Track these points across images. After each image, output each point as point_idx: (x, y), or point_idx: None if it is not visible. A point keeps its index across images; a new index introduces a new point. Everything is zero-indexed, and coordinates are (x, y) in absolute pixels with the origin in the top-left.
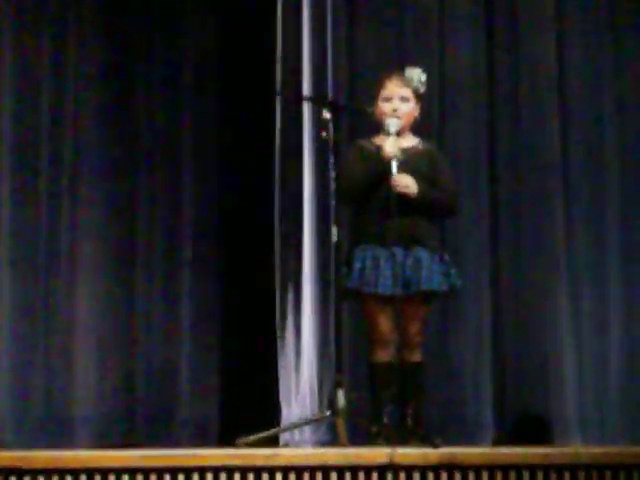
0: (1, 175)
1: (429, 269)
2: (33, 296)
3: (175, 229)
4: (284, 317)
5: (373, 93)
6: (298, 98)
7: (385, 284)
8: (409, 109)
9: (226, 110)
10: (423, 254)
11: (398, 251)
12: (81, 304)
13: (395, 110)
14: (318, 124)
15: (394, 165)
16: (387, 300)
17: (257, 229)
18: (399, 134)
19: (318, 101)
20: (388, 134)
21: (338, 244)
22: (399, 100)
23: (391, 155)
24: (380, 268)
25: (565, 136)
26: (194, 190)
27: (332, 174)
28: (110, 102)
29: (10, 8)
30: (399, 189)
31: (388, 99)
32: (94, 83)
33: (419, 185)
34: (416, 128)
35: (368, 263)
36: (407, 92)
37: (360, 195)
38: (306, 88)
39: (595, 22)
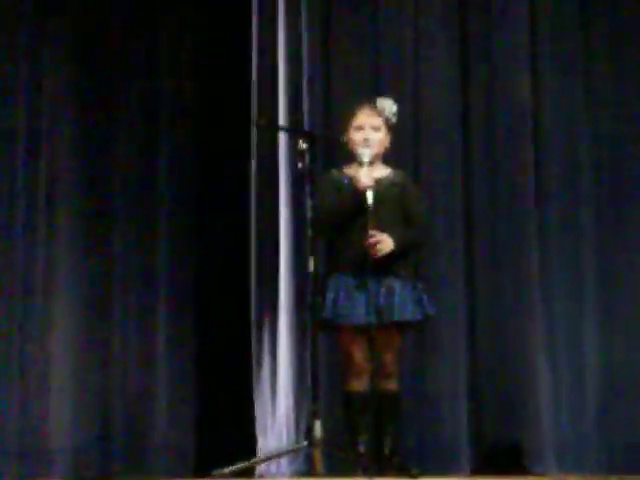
0: None
1: (402, 298)
2: (8, 326)
3: (150, 260)
4: (260, 347)
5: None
6: (274, 128)
7: (358, 314)
8: (380, 138)
9: (202, 141)
10: (396, 283)
11: (371, 281)
12: (56, 334)
13: (366, 139)
14: (294, 154)
15: (369, 196)
16: (361, 330)
17: (233, 259)
18: (371, 164)
19: (294, 131)
20: (361, 164)
21: (314, 274)
22: (371, 129)
23: (366, 186)
24: (353, 298)
25: (540, 165)
26: (170, 221)
27: (308, 204)
28: (85, 140)
29: None
30: (375, 251)
31: (360, 128)
32: (69, 114)
33: (394, 238)
34: (390, 159)
35: (341, 293)
36: (378, 122)
37: (333, 227)
38: (282, 118)
39: (569, 55)
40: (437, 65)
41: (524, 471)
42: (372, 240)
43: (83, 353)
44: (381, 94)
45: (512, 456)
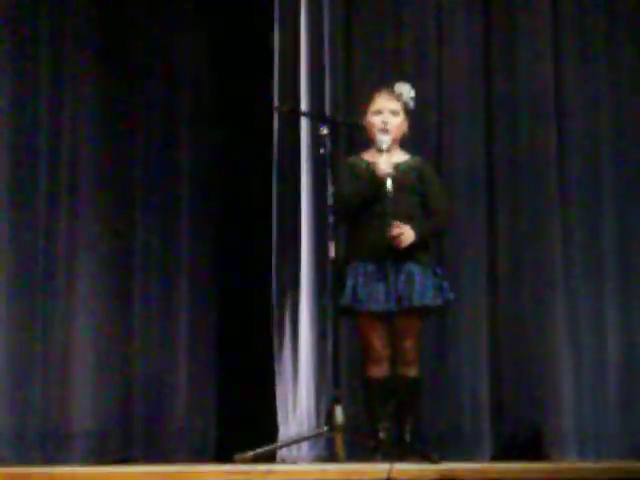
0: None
1: (422, 284)
2: (31, 312)
3: (172, 245)
4: (282, 333)
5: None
6: (296, 114)
7: (378, 301)
8: (398, 123)
9: (224, 127)
10: (415, 269)
11: (390, 267)
12: (78, 320)
13: (385, 123)
14: (316, 140)
15: (389, 183)
16: (381, 316)
17: (255, 245)
18: (389, 149)
19: (315, 117)
20: (381, 151)
21: (335, 260)
22: (389, 113)
23: (386, 173)
24: (373, 285)
25: (562, 150)
26: (191, 207)
27: (330, 190)
28: (107, 122)
29: (7, 26)
30: (398, 244)
31: (378, 112)
32: (91, 98)
33: (415, 229)
34: (412, 142)
35: (361, 280)
36: (397, 106)
37: (352, 213)
38: (304, 104)
39: (592, 38)
40: (459, 48)
41: (545, 457)
42: (395, 232)
43: (104, 338)
44: (403, 78)
45: (533, 442)
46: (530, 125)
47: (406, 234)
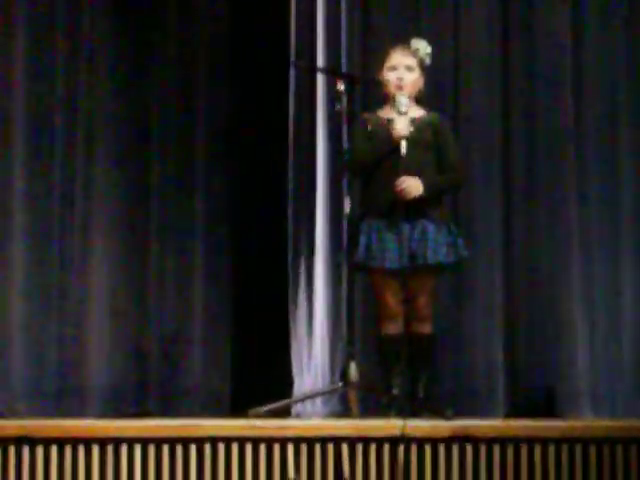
0: (15, 143)
1: (435, 241)
2: (46, 267)
3: (187, 203)
4: (296, 288)
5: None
6: (312, 69)
7: (391, 258)
8: (414, 78)
9: (240, 82)
10: (429, 226)
11: (404, 224)
12: (93, 275)
13: (400, 79)
14: (332, 95)
15: (403, 145)
16: (394, 273)
17: (270, 201)
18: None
19: (332, 72)
20: (399, 112)
21: (350, 216)
22: (404, 69)
23: (402, 136)
24: (386, 242)
25: (579, 109)
26: (207, 164)
27: (345, 146)
28: (123, 85)
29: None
30: (405, 196)
31: (393, 68)
32: (107, 66)
33: (424, 181)
34: (428, 101)
35: (374, 237)
36: (412, 62)
37: (367, 169)
38: (320, 60)
39: (612, 5)
40: (477, 7)
41: (559, 416)
42: (400, 186)
43: (119, 294)
44: (420, 36)
45: (547, 401)
46: (548, 85)
47: (412, 186)
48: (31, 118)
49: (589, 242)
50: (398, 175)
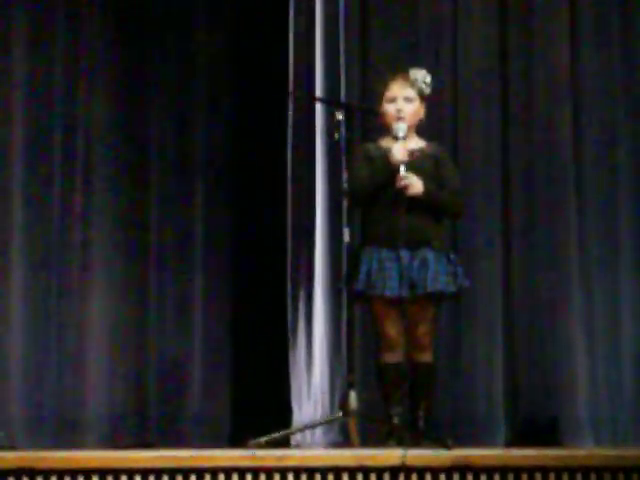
0: (14, 170)
1: (436, 270)
2: (45, 296)
3: (187, 230)
4: (296, 318)
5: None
6: (310, 99)
7: (391, 286)
8: (413, 110)
9: (238, 111)
10: (430, 255)
11: (404, 252)
12: (93, 304)
13: (399, 111)
14: (330, 125)
15: (402, 170)
16: (394, 302)
17: (269, 229)
18: (405, 137)
19: (330, 102)
20: (396, 139)
21: (350, 245)
22: (403, 101)
23: (401, 161)
24: (386, 270)
25: (578, 139)
26: (206, 192)
27: (344, 175)
28: (122, 106)
29: (23, 9)
30: (405, 190)
31: (392, 100)
32: (106, 84)
33: (425, 185)
34: (427, 129)
35: (374, 265)
36: (411, 93)
37: (367, 198)
38: (319, 89)
39: (608, 20)
40: (475, 33)
41: (560, 444)
42: (403, 180)
43: (119, 323)
44: (418, 63)
45: (548, 429)
46: (546, 108)
47: (413, 182)
48: (29, 143)
49: (588, 269)
50: (398, 203)
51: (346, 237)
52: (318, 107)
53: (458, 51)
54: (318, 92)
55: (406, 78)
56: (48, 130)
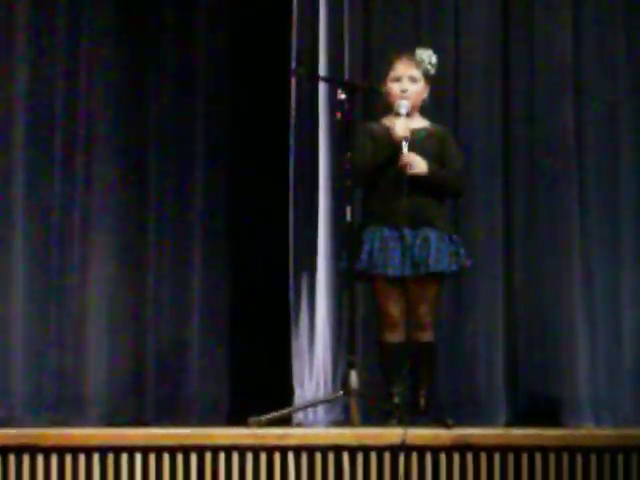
0: (15, 154)
1: (438, 249)
2: (45, 275)
3: (186, 207)
4: (298, 297)
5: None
6: (313, 78)
7: (394, 265)
8: (418, 90)
9: (240, 89)
10: (432, 234)
11: (407, 232)
12: (92, 283)
13: (404, 90)
14: (333, 104)
15: (404, 146)
16: (396, 281)
17: (271, 209)
18: (408, 115)
19: (333, 81)
20: (398, 115)
21: (352, 224)
22: (408, 80)
23: (402, 137)
24: (389, 249)
25: (580, 119)
26: (206, 169)
27: (346, 155)
28: (122, 87)
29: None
30: (408, 167)
31: (397, 79)
32: (106, 69)
33: (428, 164)
34: (429, 110)
35: (377, 244)
36: (416, 73)
37: (370, 177)
38: (322, 68)
39: (610, 8)
40: (477, 16)
41: (560, 424)
42: (406, 158)
43: (118, 302)
44: (421, 44)
45: (548, 409)
46: (547, 93)
47: (417, 160)
48: (31, 133)
49: (590, 251)
50: (401, 182)
51: (348, 216)
52: (321, 86)
53: (460, 35)
54: (321, 70)
55: (412, 58)
56: (49, 127)
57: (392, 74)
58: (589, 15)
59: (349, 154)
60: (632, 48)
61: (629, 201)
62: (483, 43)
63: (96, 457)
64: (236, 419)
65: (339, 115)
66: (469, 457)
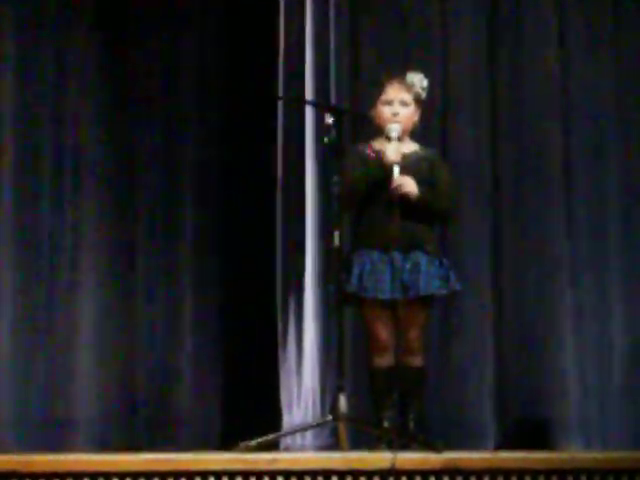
0: (3, 177)
1: (428, 273)
2: (35, 298)
3: (175, 232)
4: (286, 321)
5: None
6: (300, 102)
7: (384, 289)
8: (409, 113)
9: (228, 115)
10: (422, 258)
11: (397, 255)
12: (82, 306)
13: (395, 114)
14: (321, 128)
15: (396, 170)
16: (386, 305)
17: (259, 233)
18: (399, 139)
19: (321, 106)
20: (389, 139)
21: (340, 248)
22: (399, 104)
23: (393, 161)
24: (379, 273)
25: (567, 140)
26: (195, 194)
27: (334, 178)
28: (108, 107)
29: (9, 10)
30: (399, 190)
31: (388, 103)
32: (93, 84)
33: (419, 187)
34: (418, 133)
35: (367, 268)
36: (407, 97)
37: (359, 201)
38: (309, 92)
39: (597, 27)
40: (465, 40)
41: (550, 447)
42: (396, 184)
43: (108, 324)
44: (408, 68)
45: (537, 432)
46: (535, 115)
47: (408, 182)
48: (19, 158)
49: (578, 272)
50: (391, 206)
51: (336, 241)
52: (308, 110)
53: (448, 56)
54: (308, 95)
55: (403, 82)
56: (37, 152)
57: (383, 97)
58: (575, 32)
59: (336, 177)
60: (619, 64)
61: (617, 220)
62: (470, 66)
63: None
64: (227, 443)
65: (326, 139)
66: None
